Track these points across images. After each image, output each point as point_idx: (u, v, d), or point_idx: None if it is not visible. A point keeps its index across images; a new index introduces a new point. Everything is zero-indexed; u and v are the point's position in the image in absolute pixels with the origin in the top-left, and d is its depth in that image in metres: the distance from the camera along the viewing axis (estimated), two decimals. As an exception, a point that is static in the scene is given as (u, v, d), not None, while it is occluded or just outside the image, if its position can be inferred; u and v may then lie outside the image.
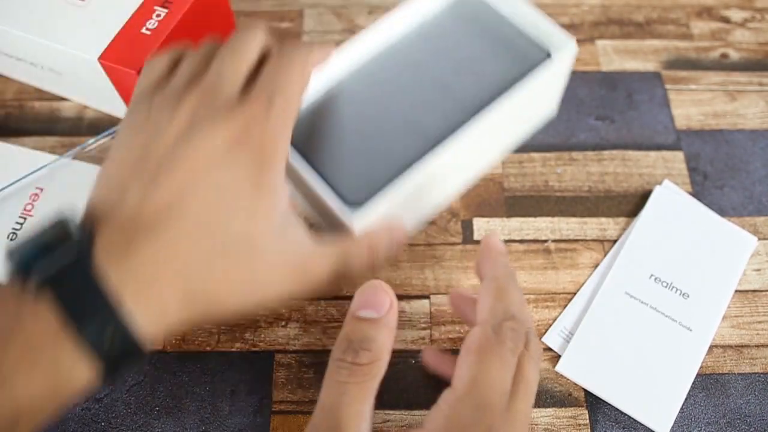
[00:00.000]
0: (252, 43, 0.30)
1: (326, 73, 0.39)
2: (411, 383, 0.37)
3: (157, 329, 0.25)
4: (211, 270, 0.26)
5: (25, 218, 0.41)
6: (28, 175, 0.41)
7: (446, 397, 0.27)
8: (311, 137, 0.37)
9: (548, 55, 0.39)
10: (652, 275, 0.40)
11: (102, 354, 0.24)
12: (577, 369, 0.37)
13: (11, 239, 0.40)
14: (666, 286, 0.39)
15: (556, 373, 0.38)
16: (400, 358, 0.38)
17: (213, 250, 0.26)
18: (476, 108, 0.38)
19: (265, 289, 0.28)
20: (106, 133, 0.43)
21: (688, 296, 0.39)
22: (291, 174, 0.36)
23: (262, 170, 0.27)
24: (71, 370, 0.23)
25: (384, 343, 0.27)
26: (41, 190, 0.42)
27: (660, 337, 0.38)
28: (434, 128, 0.37)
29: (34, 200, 0.41)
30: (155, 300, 0.25)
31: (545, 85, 0.41)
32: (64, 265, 0.24)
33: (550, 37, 0.40)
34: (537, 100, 0.42)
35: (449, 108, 0.38)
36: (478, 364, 0.27)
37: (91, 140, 0.43)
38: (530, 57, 0.39)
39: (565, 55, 0.39)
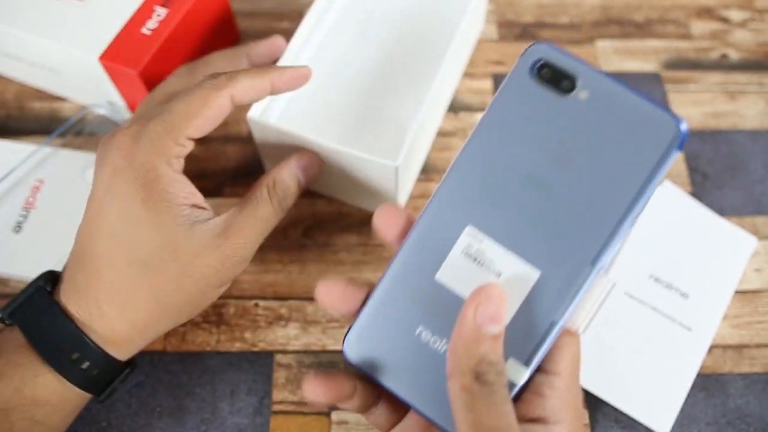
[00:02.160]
0: (163, 86, 0.36)
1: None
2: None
3: (113, 337, 0.31)
4: (140, 285, 0.30)
5: (28, 210, 0.41)
6: (13, 170, 0.42)
7: None
8: None
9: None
10: (651, 275, 0.40)
11: (61, 359, 0.30)
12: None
13: (16, 232, 0.40)
14: (665, 286, 0.39)
15: (556, 373, 0.38)
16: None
17: (135, 271, 0.30)
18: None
19: (204, 278, 0.31)
20: (79, 114, 0.44)
21: (687, 296, 0.39)
22: (327, 154, 0.36)
23: (145, 188, 0.30)
24: (35, 377, 0.29)
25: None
26: (42, 182, 0.42)
27: (660, 338, 0.38)
28: None
29: (35, 192, 0.41)
30: (97, 312, 0.30)
31: None
32: (27, 295, 0.31)
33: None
34: None
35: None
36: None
37: (67, 123, 0.44)
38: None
39: None
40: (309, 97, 0.41)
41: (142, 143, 0.30)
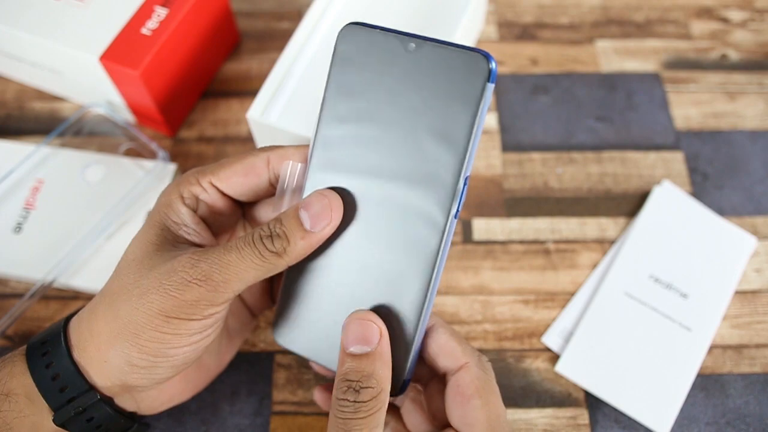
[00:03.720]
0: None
1: None
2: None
3: (96, 360, 0.29)
4: (105, 291, 0.30)
5: (28, 211, 0.41)
6: (13, 170, 0.42)
7: None
8: None
9: None
10: (651, 275, 0.40)
11: (45, 379, 0.29)
12: (576, 369, 0.37)
13: (16, 232, 0.40)
14: (665, 287, 0.40)
15: (556, 373, 0.38)
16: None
17: (110, 278, 0.30)
18: None
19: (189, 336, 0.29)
20: (78, 113, 0.44)
21: (687, 296, 0.39)
22: None
23: (151, 213, 0.31)
24: (18, 387, 0.29)
25: (382, 374, 0.28)
26: (41, 182, 0.42)
27: (659, 338, 0.38)
28: None
29: (35, 193, 0.41)
30: (94, 349, 0.29)
31: None
32: (47, 333, 0.30)
33: None
34: None
35: None
36: (486, 405, 0.29)
37: (66, 122, 0.43)
38: None
39: None
40: (309, 96, 0.41)
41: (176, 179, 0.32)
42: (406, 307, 0.28)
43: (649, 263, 0.40)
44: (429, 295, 0.28)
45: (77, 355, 0.29)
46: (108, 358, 0.28)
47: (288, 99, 0.41)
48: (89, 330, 0.29)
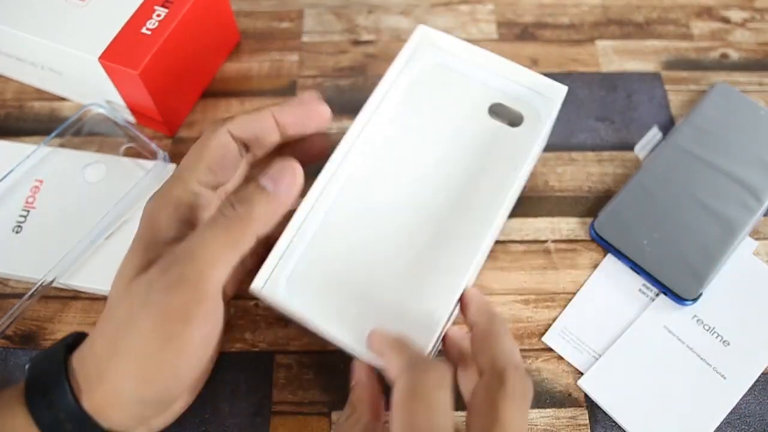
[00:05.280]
0: None
1: None
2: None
3: (107, 405, 0.28)
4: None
5: (28, 211, 0.41)
6: (13, 170, 0.42)
7: None
8: None
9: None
10: (695, 316, 0.39)
11: (44, 410, 0.27)
12: (599, 388, 0.37)
13: (16, 232, 0.40)
14: (707, 330, 0.38)
15: (556, 373, 0.38)
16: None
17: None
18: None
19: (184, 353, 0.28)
20: (78, 113, 0.44)
21: (728, 344, 0.38)
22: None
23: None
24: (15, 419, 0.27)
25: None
26: (41, 182, 0.42)
27: (691, 379, 0.37)
28: None
29: (35, 192, 0.41)
30: (102, 396, 0.28)
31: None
32: (42, 357, 0.29)
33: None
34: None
35: None
36: (499, 420, 0.27)
37: (66, 122, 0.43)
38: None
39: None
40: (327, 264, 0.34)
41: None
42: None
43: (696, 303, 0.39)
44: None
45: (86, 403, 0.28)
46: (120, 402, 0.27)
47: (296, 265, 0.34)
48: (97, 371, 0.28)
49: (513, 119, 0.38)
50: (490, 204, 0.35)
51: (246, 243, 0.28)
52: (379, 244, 0.34)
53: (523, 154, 0.36)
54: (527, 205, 0.43)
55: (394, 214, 0.35)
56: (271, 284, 0.32)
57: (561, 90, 0.38)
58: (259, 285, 0.32)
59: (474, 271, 0.35)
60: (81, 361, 0.29)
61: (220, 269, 0.27)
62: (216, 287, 0.27)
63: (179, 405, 0.32)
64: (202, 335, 0.27)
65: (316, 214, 0.34)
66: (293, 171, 0.30)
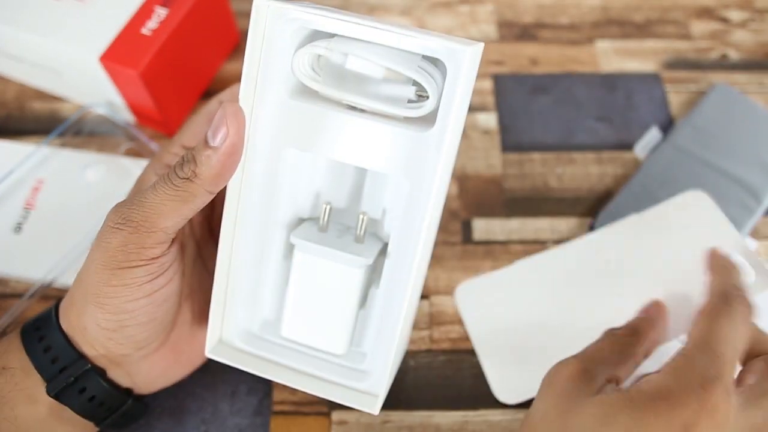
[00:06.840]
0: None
1: None
2: (410, 384, 0.37)
3: (87, 342, 0.30)
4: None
5: (28, 211, 0.41)
6: (13, 170, 0.42)
7: (679, 351, 0.29)
8: None
9: None
10: None
11: (40, 352, 0.30)
12: None
13: (16, 232, 0.40)
14: None
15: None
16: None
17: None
18: None
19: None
20: (78, 113, 0.44)
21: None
22: None
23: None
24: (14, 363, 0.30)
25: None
26: (41, 182, 0.42)
27: None
28: None
29: (35, 193, 0.41)
30: (75, 318, 0.30)
31: None
32: (42, 312, 0.32)
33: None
34: None
35: None
36: (709, 323, 0.29)
37: (66, 122, 0.44)
38: None
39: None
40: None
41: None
42: None
43: None
44: None
45: (65, 326, 0.31)
46: (85, 325, 0.30)
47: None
48: (69, 300, 0.31)
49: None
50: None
51: (198, 199, 0.28)
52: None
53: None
54: (527, 205, 0.43)
55: None
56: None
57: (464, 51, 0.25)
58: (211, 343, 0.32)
59: None
60: (65, 297, 0.31)
61: (168, 218, 0.28)
62: (163, 233, 0.28)
63: (160, 364, 0.33)
64: (147, 273, 0.29)
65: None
66: (228, 116, 0.27)
